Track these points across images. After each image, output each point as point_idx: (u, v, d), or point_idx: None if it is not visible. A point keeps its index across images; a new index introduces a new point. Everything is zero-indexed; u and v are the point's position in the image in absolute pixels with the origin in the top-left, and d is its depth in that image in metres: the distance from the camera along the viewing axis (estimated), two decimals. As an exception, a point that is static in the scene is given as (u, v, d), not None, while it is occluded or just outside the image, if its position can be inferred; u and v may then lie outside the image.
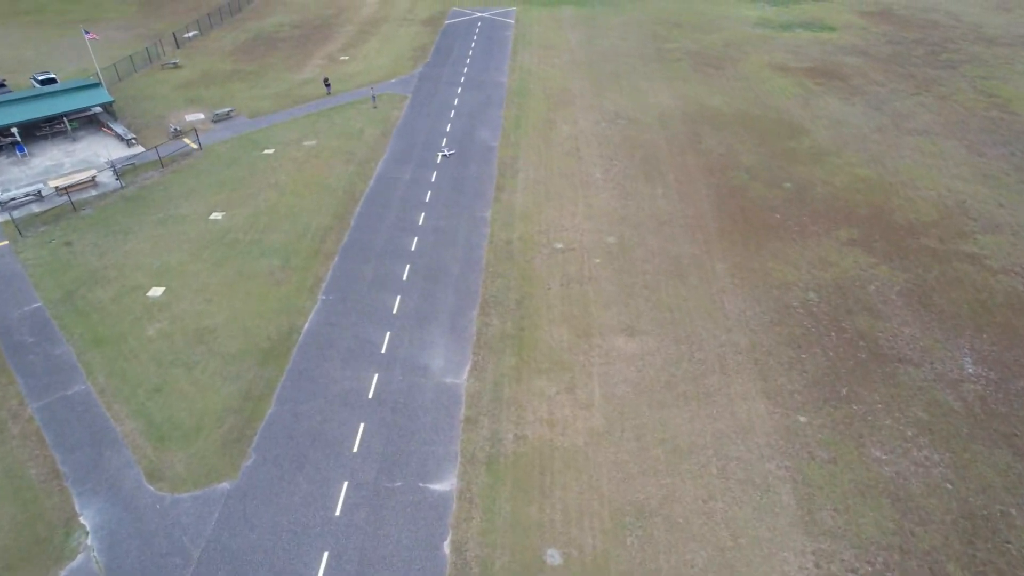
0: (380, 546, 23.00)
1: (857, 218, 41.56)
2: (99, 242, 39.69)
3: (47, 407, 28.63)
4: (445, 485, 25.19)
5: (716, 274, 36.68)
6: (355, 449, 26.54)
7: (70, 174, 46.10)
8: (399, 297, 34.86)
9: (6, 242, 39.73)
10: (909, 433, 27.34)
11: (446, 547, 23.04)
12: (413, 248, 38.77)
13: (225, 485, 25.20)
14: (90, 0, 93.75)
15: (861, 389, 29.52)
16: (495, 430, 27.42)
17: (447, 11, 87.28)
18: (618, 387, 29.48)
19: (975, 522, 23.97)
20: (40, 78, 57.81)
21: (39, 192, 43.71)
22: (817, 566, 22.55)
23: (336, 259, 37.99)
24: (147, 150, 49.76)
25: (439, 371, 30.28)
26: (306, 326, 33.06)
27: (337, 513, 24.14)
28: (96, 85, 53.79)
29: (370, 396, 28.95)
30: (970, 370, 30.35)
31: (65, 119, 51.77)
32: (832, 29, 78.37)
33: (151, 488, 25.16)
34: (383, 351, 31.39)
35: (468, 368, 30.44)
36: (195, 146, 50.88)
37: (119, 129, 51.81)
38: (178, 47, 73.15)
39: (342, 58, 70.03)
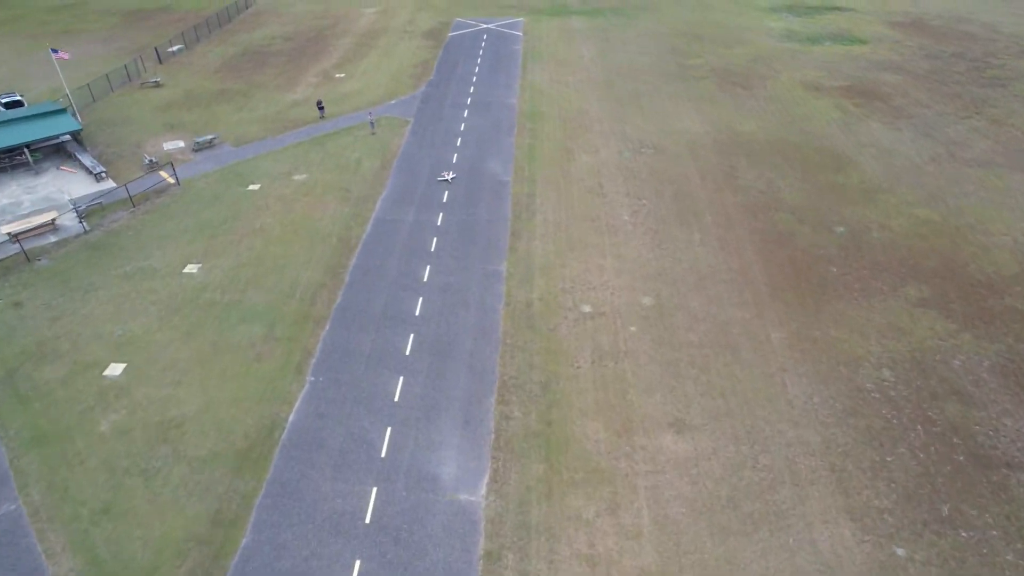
0: None
1: (925, 272, 36.19)
2: (53, 302, 34.26)
3: (-32, 537, 23.23)
4: (462, 659, 19.80)
5: (772, 346, 31.29)
6: (348, 602, 21.15)
7: (28, 216, 40.68)
8: (402, 379, 29.45)
9: (-55, 304, 34.36)
10: (1040, 576, 21.96)
11: None
12: (417, 312, 33.36)
13: (181, 659, 19.79)
14: (72, 10, 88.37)
15: (966, 506, 24.15)
16: (523, 572, 22.00)
17: (450, 22, 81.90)
18: (671, 506, 24.08)
19: None
20: (4, 100, 52.38)
21: (-11, 240, 38.35)
22: None
23: (328, 326, 32.58)
24: (118, 186, 44.31)
25: (451, 483, 24.88)
26: (291, 418, 27.64)
27: None
28: (62, 111, 48.34)
29: (367, 520, 23.54)
30: (1098, 482, 25.00)
31: (27, 150, 46.32)
32: (863, 42, 73.09)
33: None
34: (383, 454, 25.98)
35: (486, 479, 25.03)
36: (172, 181, 45.47)
37: (87, 161, 46.38)
38: (160, 63, 67.73)
39: (337, 75, 64.63)
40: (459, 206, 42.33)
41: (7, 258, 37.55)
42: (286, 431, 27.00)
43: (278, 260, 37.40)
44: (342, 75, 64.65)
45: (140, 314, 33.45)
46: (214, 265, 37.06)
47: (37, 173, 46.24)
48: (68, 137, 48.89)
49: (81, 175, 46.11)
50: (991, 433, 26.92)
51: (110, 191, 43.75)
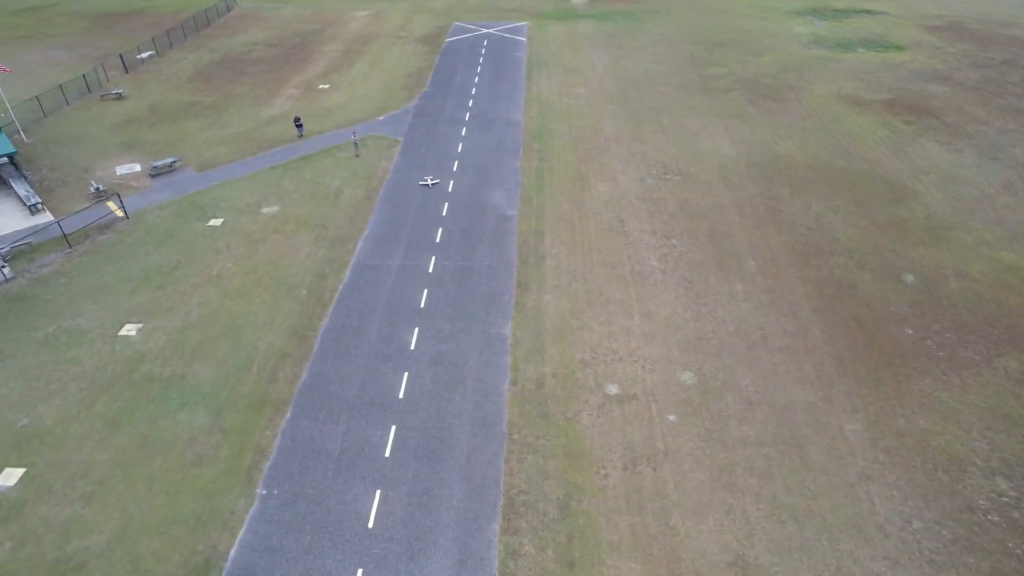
0: None
1: None
2: (-47, 378, 27.66)
3: None
4: None
5: (848, 443, 24.68)
6: None
7: (-59, 261, 34.05)
8: (379, 493, 22.85)
9: None
10: None
11: None
12: (402, 393, 26.75)
13: None
14: (38, 13, 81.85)
15: None
16: None
17: (448, 26, 75.29)
18: None
19: None
20: (-63, 118, 45.77)
21: None
22: None
23: (289, 413, 25.96)
24: (56, 220, 37.71)
25: (440, 664, 18.24)
26: (232, 552, 21.05)
27: None
28: (-4, 132, 41.76)
29: None
30: None
31: (-47, 178, 39.75)
32: (900, 48, 66.52)
33: None
34: (349, 615, 19.35)
35: (488, 659, 18.41)
36: (121, 214, 38.87)
37: (21, 189, 39.79)
38: (127, 71, 61.13)
39: (321, 86, 58.03)
40: (455, 247, 35.73)
41: (-95, 317, 30.99)
42: (224, 575, 20.37)
43: (235, 319, 30.78)
44: (326, 86, 58.05)
45: (56, 394, 26.83)
46: (157, 326, 30.43)
47: (-36, 204, 39.67)
48: (5, 160, 42.25)
49: (13, 206, 39.52)
50: None
51: (46, 226, 37.16)
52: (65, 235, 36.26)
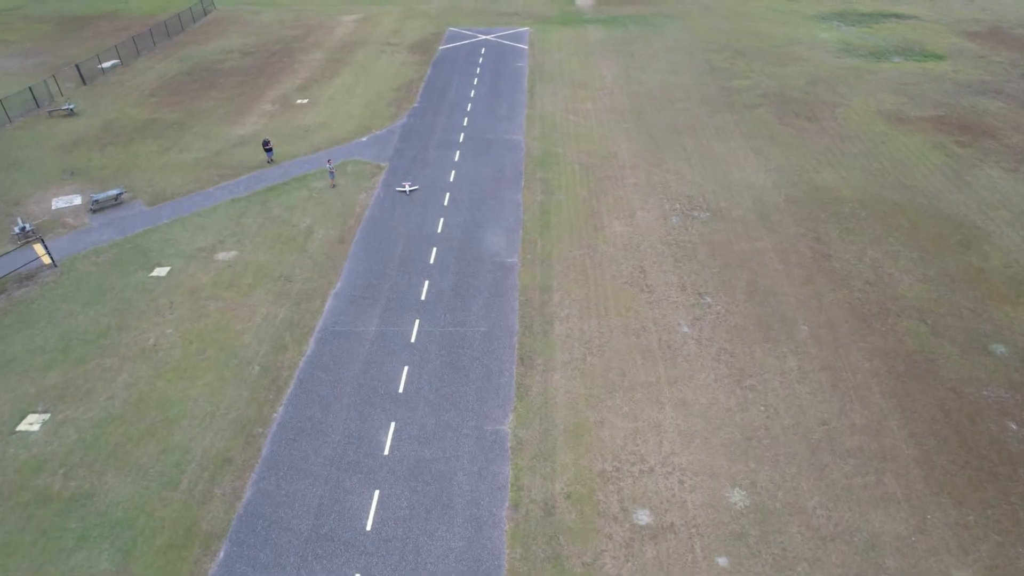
0: None
1: None
2: None
3: None
4: None
5: (962, 602, 18.50)
6: None
7: None
8: None
9: None
10: None
11: None
12: (369, 523, 20.60)
13: None
14: (-1, 16, 75.59)
15: None
16: None
17: (442, 33, 69.09)
18: None
19: None
20: None
21: None
22: None
23: (222, 553, 19.82)
24: (-30, 270, 31.61)
25: None
26: None
27: None
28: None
29: None
30: None
31: None
32: (939, 57, 60.33)
33: None
34: None
35: None
36: (48, 260, 32.67)
37: (-67, 233, 33.60)
38: (84, 83, 54.91)
39: (299, 101, 51.85)
40: (444, 307, 29.55)
41: None
42: None
43: (168, 408, 24.61)
44: (305, 101, 51.86)
45: (-78, 524, 20.65)
46: (68, 417, 24.27)
47: None
48: (-79, 194, 36.10)
49: (-78, 253, 33.37)
50: None
51: (-43, 278, 31.04)
52: (-28, 292, 30.15)
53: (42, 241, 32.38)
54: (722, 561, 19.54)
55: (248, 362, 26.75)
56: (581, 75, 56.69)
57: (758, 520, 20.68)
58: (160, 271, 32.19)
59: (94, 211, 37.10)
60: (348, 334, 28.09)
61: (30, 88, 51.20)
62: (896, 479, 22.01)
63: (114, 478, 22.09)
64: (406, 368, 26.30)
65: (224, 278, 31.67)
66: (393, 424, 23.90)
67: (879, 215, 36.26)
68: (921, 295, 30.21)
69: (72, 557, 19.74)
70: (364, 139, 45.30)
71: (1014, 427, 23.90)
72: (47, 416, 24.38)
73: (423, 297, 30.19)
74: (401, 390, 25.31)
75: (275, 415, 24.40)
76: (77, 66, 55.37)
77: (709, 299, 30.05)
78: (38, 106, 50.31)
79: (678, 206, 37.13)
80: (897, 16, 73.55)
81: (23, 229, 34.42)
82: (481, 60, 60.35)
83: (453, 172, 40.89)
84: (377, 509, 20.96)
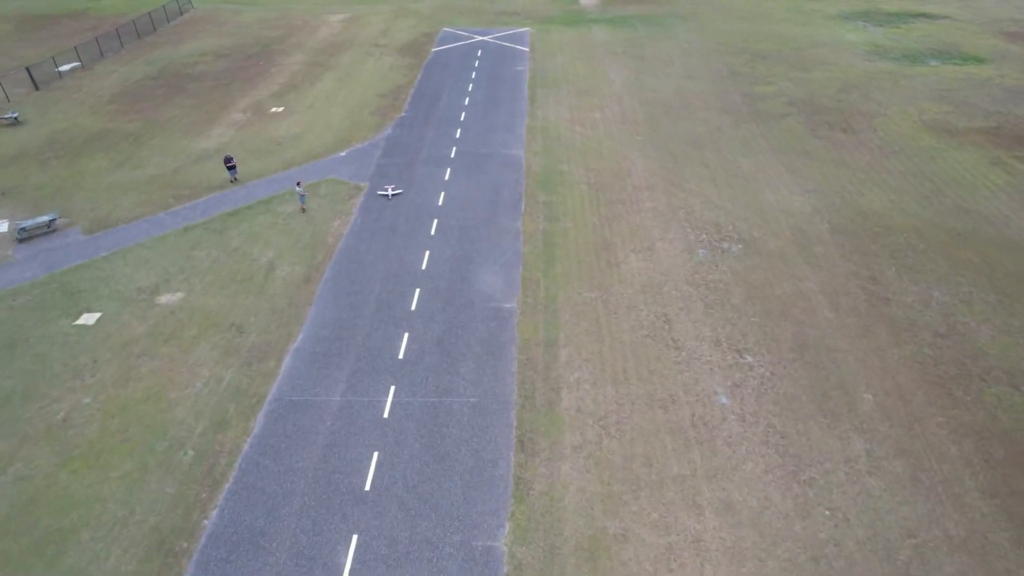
0: None
1: None
2: None
3: None
4: None
5: None
6: None
7: None
8: None
9: None
10: None
11: None
12: None
13: None
14: (-41, 15, 70.20)
15: None
16: None
17: (435, 33, 63.73)
18: None
19: None
20: None
21: None
22: None
23: None
24: None
25: None
26: None
27: None
28: None
29: None
30: None
31: None
32: (980, 60, 55.00)
33: None
34: None
35: None
36: (-44, 305, 27.28)
37: None
38: (37, 88, 49.57)
39: (274, 109, 46.50)
40: (425, 368, 24.17)
41: None
42: None
43: (66, 513, 19.22)
44: (280, 109, 46.51)
45: None
46: (-60, 526, 18.86)
47: None
48: None
49: None
50: None
51: None
52: None
53: (-55, 283, 27.02)
54: None
55: (179, 444, 21.35)
56: (587, 81, 51.32)
57: None
58: (88, 318, 26.80)
59: (21, 240, 31.75)
60: (306, 406, 22.68)
61: (-29, 95, 45.91)
62: (1015, 622, 16.63)
63: (-17, 620, 16.71)
64: (376, 455, 20.90)
65: (164, 328, 26.27)
66: (355, 537, 18.49)
67: (941, 247, 30.88)
68: (1007, 351, 24.82)
69: None
70: (343, 153, 39.93)
71: None
72: (-87, 524, 18.99)
73: (401, 355, 24.80)
74: (368, 487, 19.91)
75: (206, 522, 18.99)
76: (28, 69, 49.98)
77: (750, 358, 24.65)
78: (-20, 115, 44.96)
79: (704, 236, 31.74)
80: (926, 16, 68.22)
81: (-69, 265, 29.08)
82: (477, 63, 55.01)
83: (442, 194, 35.51)
84: (327, 673, 15.57)
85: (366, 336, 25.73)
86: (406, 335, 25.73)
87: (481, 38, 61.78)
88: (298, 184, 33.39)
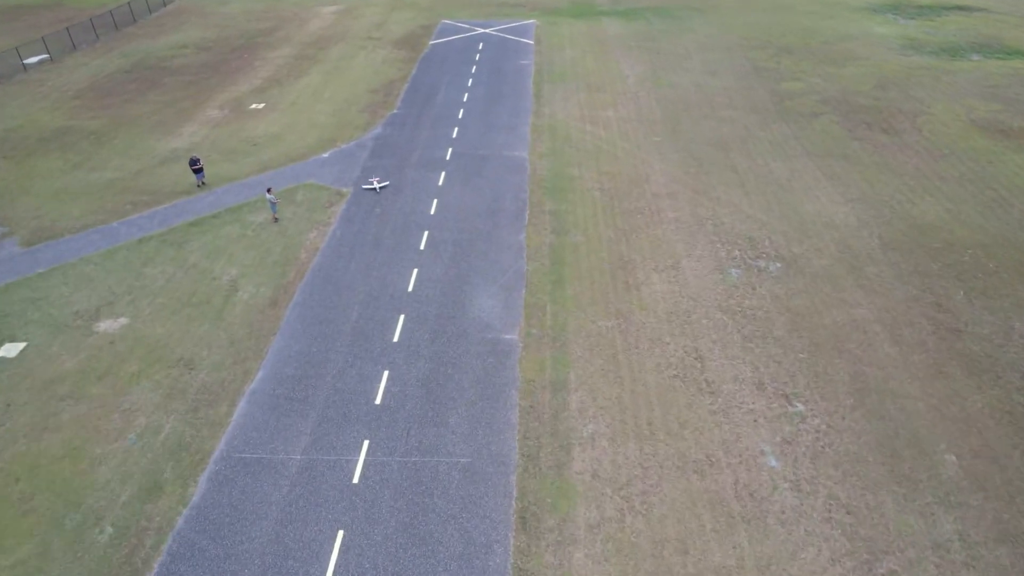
0: None
1: None
2: None
3: None
4: None
5: None
6: None
7: None
8: None
9: None
10: None
11: None
12: None
13: None
14: (-69, 6, 66.26)
15: None
16: None
17: (433, 26, 59.48)
18: None
19: None
20: None
21: None
22: None
23: None
24: None
25: None
26: None
27: None
28: None
29: None
30: None
31: None
32: (1024, 56, 50.46)
33: None
34: None
35: None
36: None
37: None
38: (-1, 83, 45.52)
39: (254, 106, 42.31)
40: (408, 418, 19.88)
41: None
42: None
43: (-57, 614, 14.96)
44: (260, 106, 42.31)
45: None
46: None
47: None
48: None
49: None
50: None
51: None
52: None
53: None
54: None
55: (96, 518, 17.10)
56: (598, 76, 46.97)
57: None
58: (9, 349, 22.61)
59: (-50, 255, 27.56)
60: (260, 466, 18.41)
61: (-80, 89, 41.84)
62: None
63: None
64: (341, 534, 16.61)
65: (98, 363, 22.05)
66: (306, 657, 14.19)
67: (1016, 267, 26.45)
68: (1113, 400, 20.38)
69: None
70: (325, 155, 35.69)
71: None
72: None
73: (378, 399, 20.51)
74: (327, 582, 15.63)
75: (116, 631, 14.72)
76: (-11, 62, 45.98)
77: (801, 406, 20.28)
78: (-70, 111, 40.90)
79: (737, 253, 27.36)
80: (962, 8, 63.63)
81: None
82: (478, 57, 50.73)
83: (435, 201, 31.23)
84: None
85: (338, 375, 21.44)
86: (386, 374, 21.44)
87: (483, 31, 57.51)
88: (268, 190, 29.12)
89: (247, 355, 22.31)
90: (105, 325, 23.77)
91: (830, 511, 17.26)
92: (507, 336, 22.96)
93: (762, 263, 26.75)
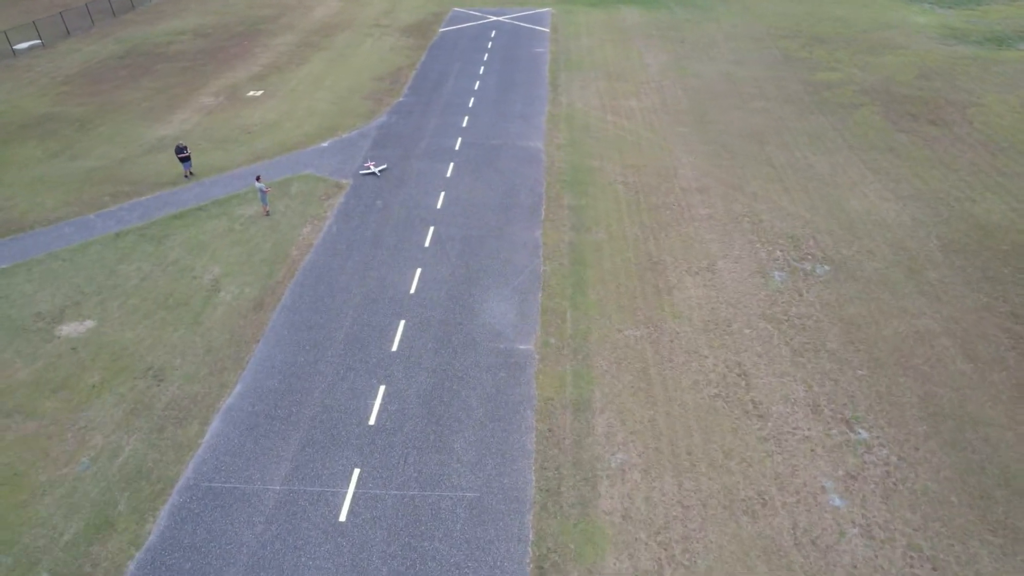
0: None
1: None
2: None
3: None
4: None
5: None
6: None
7: None
8: None
9: None
10: None
11: None
12: None
13: None
14: (-74, -8, 64.08)
15: None
16: None
17: (444, 13, 56.74)
18: None
19: None
20: None
21: None
22: None
23: None
24: None
25: None
26: None
27: None
28: None
29: None
30: None
31: None
32: (1075, 47, 47.02)
33: None
34: None
35: None
36: None
37: None
38: (-15, 69, 43.13)
39: (251, 93, 39.70)
40: (406, 442, 17.06)
41: None
42: None
43: None
44: (258, 93, 39.69)
45: None
46: None
47: None
48: None
49: None
50: None
51: None
52: None
53: None
54: None
55: (30, 563, 14.38)
56: (619, 65, 44.00)
57: None
58: (-40, 356, 19.95)
59: (-93, 248, 25.02)
60: (231, 497, 15.64)
61: (-102, 72, 39.49)
62: None
63: None
64: (321, 588, 13.78)
65: (56, 372, 19.37)
66: None
67: (1097, 274, 23.27)
68: None
69: None
70: (325, 144, 32.97)
71: None
72: None
73: (373, 419, 17.69)
74: (302, 649, 12.77)
75: None
76: (-26, 46, 43.61)
77: (865, 433, 17.28)
78: (-91, 96, 38.54)
79: (779, 253, 24.36)
80: (1001, -1, 60.08)
81: None
82: (490, 44, 47.92)
83: (442, 195, 28.40)
84: None
85: (327, 389, 18.64)
86: (382, 389, 18.62)
87: (496, 18, 54.68)
88: (258, 178, 26.38)
89: (225, 365, 19.55)
90: (68, 329, 21.10)
91: (911, 565, 14.28)
92: (522, 346, 20.08)
93: (808, 265, 23.73)
